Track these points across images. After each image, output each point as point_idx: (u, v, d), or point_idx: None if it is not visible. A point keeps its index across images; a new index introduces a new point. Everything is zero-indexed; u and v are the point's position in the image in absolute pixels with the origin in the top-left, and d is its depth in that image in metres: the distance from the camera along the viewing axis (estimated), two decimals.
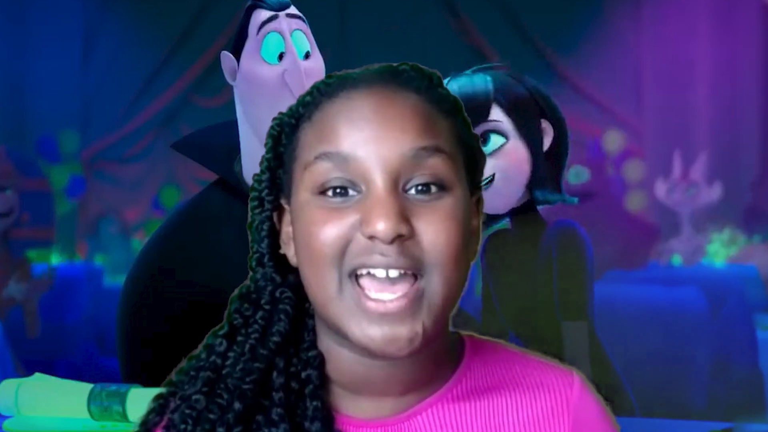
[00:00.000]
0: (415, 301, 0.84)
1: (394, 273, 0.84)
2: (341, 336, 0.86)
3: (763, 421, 3.58)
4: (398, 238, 0.83)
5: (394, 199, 0.84)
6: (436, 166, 0.86)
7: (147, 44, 6.75)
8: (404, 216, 0.84)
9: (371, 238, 0.83)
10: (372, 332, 0.84)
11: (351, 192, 0.86)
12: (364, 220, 0.84)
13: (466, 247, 0.88)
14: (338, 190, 0.86)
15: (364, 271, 0.84)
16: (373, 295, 0.84)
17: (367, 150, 0.85)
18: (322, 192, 0.86)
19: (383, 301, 0.84)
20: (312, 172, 0.87)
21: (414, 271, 0.84)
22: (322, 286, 0.86)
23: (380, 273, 0.84)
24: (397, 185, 0.85)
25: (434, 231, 0.85)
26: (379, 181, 0.85)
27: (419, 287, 0.84)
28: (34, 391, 1.61)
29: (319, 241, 0.85)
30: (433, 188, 0.86)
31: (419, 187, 0.86)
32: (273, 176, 0.92)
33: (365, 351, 0.85)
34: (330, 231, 0.85)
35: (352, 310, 0.84)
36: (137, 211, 6.60)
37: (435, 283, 0.85)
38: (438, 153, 0.87)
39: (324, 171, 0.86)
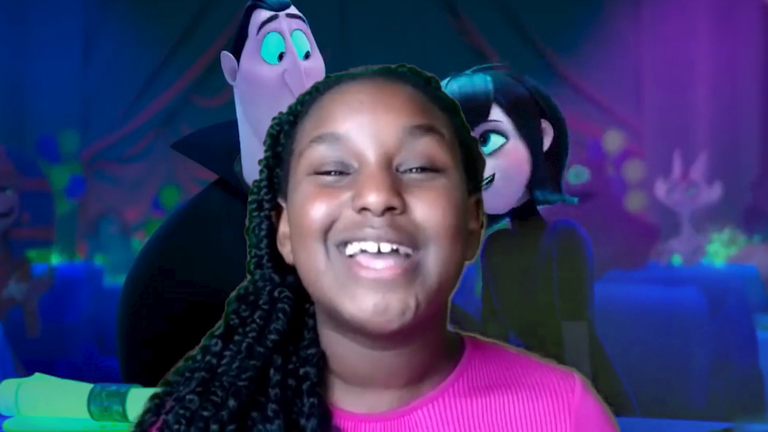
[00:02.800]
0: (409, 272, 0.84)
1: (386, 247, 0.83)
2: (335, 316, 0.86)
3: (763, 421, 3.57)
4: (389, 211, 0.83)
5: (387, 174, 0.84)
6: (431, 146, 0.86)
7: (147, 44, 6.74)
8: (396, 190, 0.84)
9: (362, 210, 0.83)
10: (363, 302, 0.83)
11: (345, 173, 0.86)
12: (356, 194, 0.84)
13: (461, 233, 0.87)
14: (332, 172, 0.86)
15: (355, 248, 0.84)
16: (364, 262, 0.83)
17: (360, 130, 0.86)
18: (317, 173, 0.87)
19: (375, 269, 0.83)
20: (307, 157, 0.87)
21: (407, 246, 0.84)
22: (311, 260, 0.86)
23: (372, 247, 0.84)
24: (390, 163, 0.85)
25: (427, 206, 0.85)
26: (371, 157, 0.85)
27: (413, 260, 0.84)
28: (34, 391, 1.61)
29: (309, 216, 0.85)
30: (427, 169, 0.86)
31: (413, 169, 0.86)
32: (271, 175, 0.92)
33: (358, 328, 0.85)
34: (320, 207, 0.85)
35: (342, 280, 0.84)
36: (137, 211, 6.59)
37: (430, 259, 0.85)
38: (432, 133, 0.87)
39: (318, 154, 0.87)
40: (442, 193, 0.86)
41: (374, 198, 0.83)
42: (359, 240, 0.84)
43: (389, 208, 0.83)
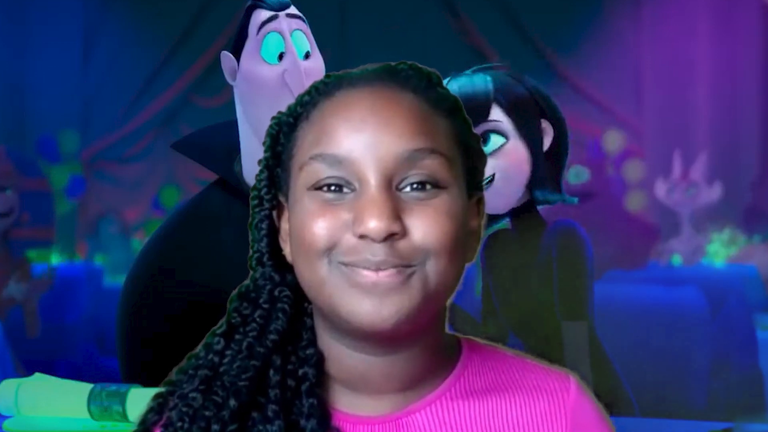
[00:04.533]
0: (407, 278, 0.84)
1: (384, 272, 0.84)
2: (334, 319, 0.87)
3: (763, 421, 3.57)
4: (390, 237, 0.83)
5: (387, 198, 0.84)
6: (431, 166, 0.86)
7: (147, 44, 6.74)
8: (396, 214, 0.84)
9: (362, 237, 0.84)
10: (361, 306, 0.84)
11: (345, 189, 0.86)
12: (356, 219, 0.84)
13: (462, 244, 0.88)
14: (333, 187, 0.86)
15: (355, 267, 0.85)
16: (364, 270, 0.84)
17: (362, 152, 0.85)
18: (318, 188, 0.87)
19: (375, 272, 0.84)
20: (307, 172, 0.87)
21: (406, 266, 0.85)
22: (313, 272, 0.86)
23: (371, 272, 0.84)
24: (391, 184, 0.85)
25: (427, 226, 0.85)
26: (372, 180, 0.85)
27: (413, 269, 0.85)
28: (34, 391, 1.61)
29: (311, 233, 0.86)
30: (428, 186, 0.86)
31: (414, 185, 0.86)
32: (271, 175, 0.92)
33: (355, 328, 0.85)
34: (321, 225, 0.85)
35: (342, 287, 0.85)
36: (137, 211, 6.59)
37: (429, 270, 0.85)
38: (433, 154, 0.87)
39: (318, 171, 0.87)
40: (443, 210, 0.86)
41: (374, 225, 0.83)
42: (359, 266, 0.84)
43: (390, 235, 0.83)
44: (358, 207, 0.84)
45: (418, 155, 0.86)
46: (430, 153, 0.86)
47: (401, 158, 0.85)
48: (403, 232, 0.84)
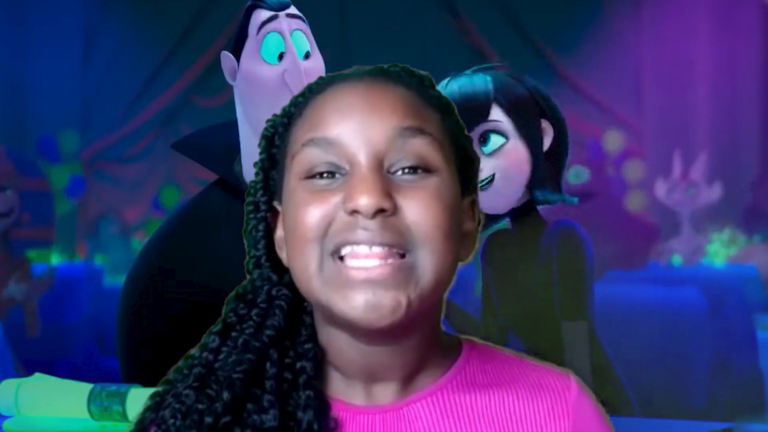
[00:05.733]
0: (401, 271, 0.84)
1: (377, 249, 0.84)
2: (329, 313, 0.87)
3: (763, 421, 3.58)
4: (380, 213, 0.84)
5: (377, 176, 0.85)
6: (421, 147, 0.87)
7: (147, 44, 6.74)
8: (387, 192, 0.84)
9: (353, 213, 0.84)
10: (355, 300, 0.84)
11: (337, 174, 0.86)
12: (346, 197, 0.84)
13: (454, 230, 0.88)
14: (324, 174, 0.87)
15: (347, 250, 0.84)
16: (355, 264, 0.84)
17: (352, 134, 0.86)
18: (310, 177, 0.87)
19: (366, 268, 0.84)
20: (299, 160, 0.88)
21: (399, 248, 0.84)
22: (304, 265, 0.87)
23: (363, 249, 0.84)
24: (381, 165, 0.86)
25: (418, 207, 0.85)
26: (362, 160, 0.85)
27: (406, 262, 0.85)
28: (34, 391, 1.61)
29: (304, 221, 0.86)
30: (419, 170, 0.86)
31: (405, 169, 0.86)
32: (266, 177, 0.93)
33: (350, 324, 0.85)
34: (314, 212, 0.86)
35: (333, 283, 0.85)
36: (137, 211, 6.59)
37: (422, 260, 0.85)
38: (422, 134, 0.87)
39: (310, 157, 0.87)
40: (434, 193, 0.86)
41: (365, 201, 0.83)
42: (352, 243, 0.84)
43: (380, 211, 0.84)
44: (349, 186, 0.85)
45: (408, 134, 0.86)
46: (419, 132, 0.87)
47: (390, 138, 0.86)
48: (394, 210, 0.84)
